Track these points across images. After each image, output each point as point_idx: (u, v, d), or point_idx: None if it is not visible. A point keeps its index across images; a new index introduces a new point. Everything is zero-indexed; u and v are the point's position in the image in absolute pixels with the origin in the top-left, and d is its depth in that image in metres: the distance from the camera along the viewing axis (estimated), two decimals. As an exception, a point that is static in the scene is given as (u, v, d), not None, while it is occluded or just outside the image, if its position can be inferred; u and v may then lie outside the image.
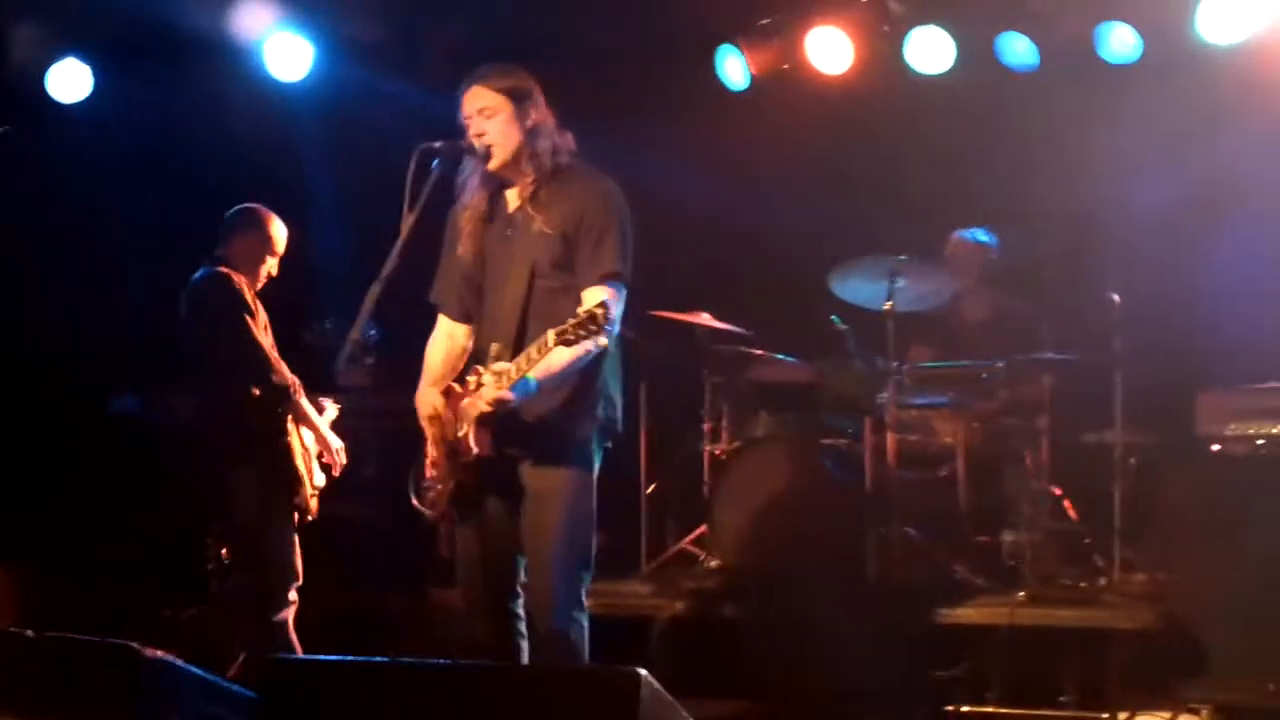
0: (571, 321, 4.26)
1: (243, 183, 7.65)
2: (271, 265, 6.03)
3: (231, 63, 8.00)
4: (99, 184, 8.20)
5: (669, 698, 3.75)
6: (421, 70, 7.72)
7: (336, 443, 5.93)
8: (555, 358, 4.39)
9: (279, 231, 6.05)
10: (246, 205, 6.13)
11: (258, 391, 5.74)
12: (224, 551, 6.24)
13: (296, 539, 5.83)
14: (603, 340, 4.29)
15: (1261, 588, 5.72)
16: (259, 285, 6.00)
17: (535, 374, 4.43)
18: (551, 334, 4.30)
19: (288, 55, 8.00)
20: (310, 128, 8.07)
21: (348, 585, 6.68)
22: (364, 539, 6.78)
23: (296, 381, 5.81)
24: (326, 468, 5.96)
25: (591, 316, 4.23)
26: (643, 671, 3.66)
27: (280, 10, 7.88)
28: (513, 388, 4.44)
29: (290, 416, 5.81)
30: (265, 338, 5.85)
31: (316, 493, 5.88)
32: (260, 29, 7.92)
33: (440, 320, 4.96)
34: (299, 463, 5.80)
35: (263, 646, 5.54)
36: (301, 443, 5.85)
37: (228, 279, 5.87)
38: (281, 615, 5.76)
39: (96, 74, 8.12)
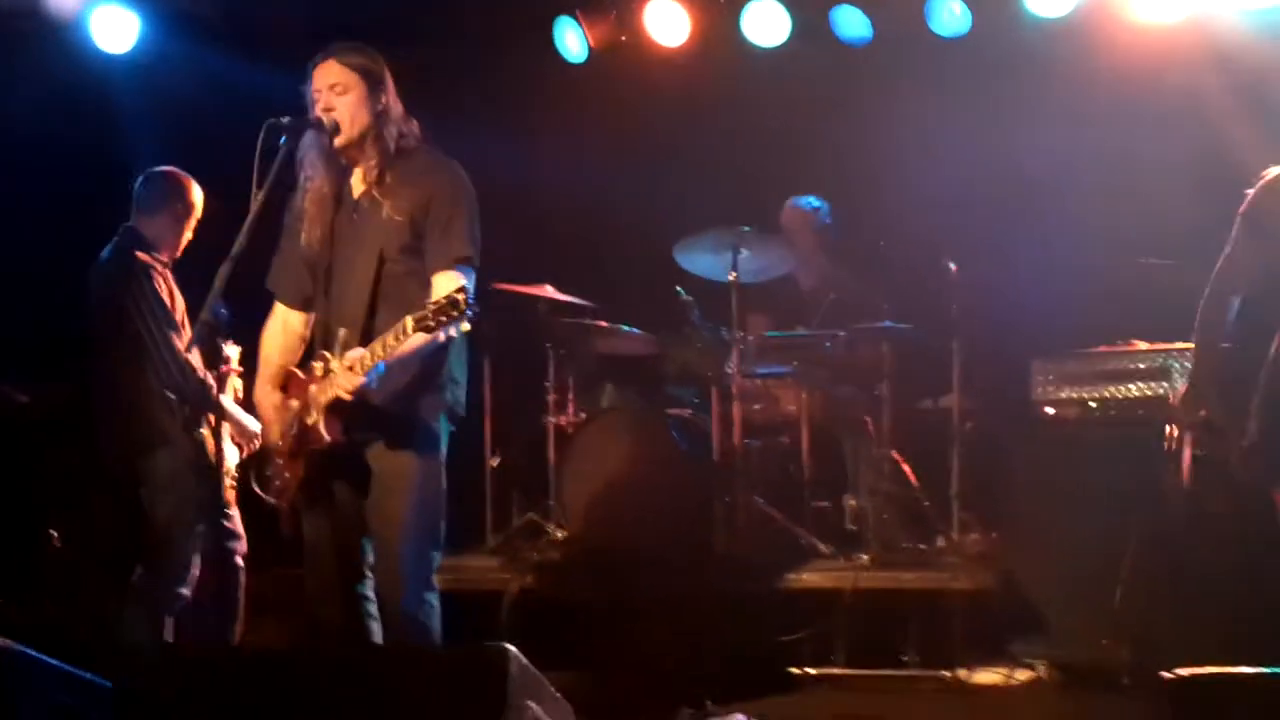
0: (431, 307, 4.21)
1: (67, 158, 7.48)
2: (189, 232, 5.84)
3: (54, 35, 7.73)
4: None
5: (536, 671, 3.77)
6: (254, 46, 7.56)
7: (252, 426, 5.62)
8: (411, 343, 4.35)
9: (198, 196, 5.85)
10: (159, 170, 5.90)
11: (172, 395, 5.56)
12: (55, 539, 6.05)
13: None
14: (465, 326, 4.25)
15: (1093, 547, 5.90)
16: (179, 254, 5.80)
17: (390, 359, 4.39)
18: (410, 320, 4.25)
19: (113, 28, 7.75)
20: (138, 102, 7.83)
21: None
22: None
23: (211, 381, 5.57)
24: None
25: (453, 302, 4.19)
26: (510, 647, 3.68)
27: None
28: (368, 374, 4.39)
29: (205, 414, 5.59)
30: (180, 336, 5.60)
31: (235, 481, 5.71)
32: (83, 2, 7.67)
33: (276, 307, 4.86)
34: (210, 455, 5.57)
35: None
36: (213, 431, 5.53)
37: (141, 270, 5.60)
38: (171, 608, 5.64)
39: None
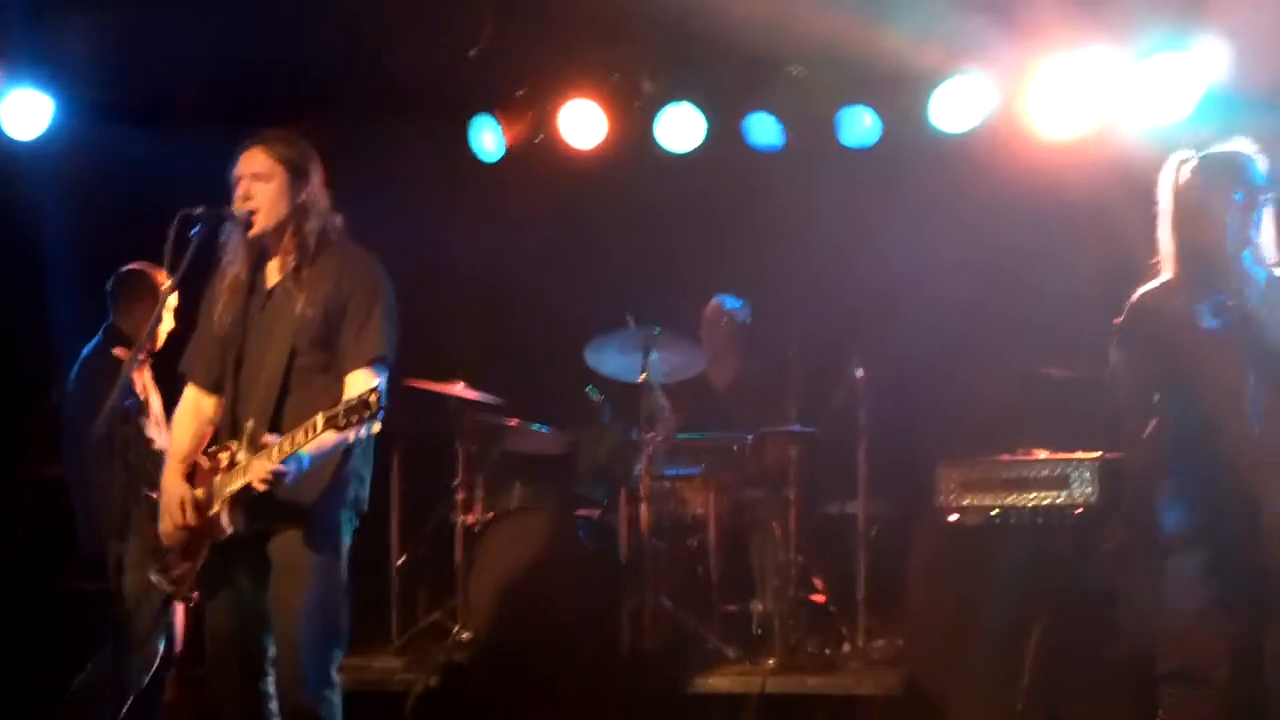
0: (344, 406, 4.20)
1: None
2: (167, 325, 5.83)
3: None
4: None
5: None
6: (168, 130, 7.54)
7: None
8: (323, 439, 4.32)
9: (171, 296, 5.82)
10: (128, 269, 5.97)
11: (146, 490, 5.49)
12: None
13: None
14: (375, 426, 4.22)
15: (996, 652, 5.94)
16: (159, 345, 5.79)
17: (308, 450, 4.35)
18: (321, 418, 4.23)
19: (24, 113, 7.70)
20: (50, 187, 7.77)
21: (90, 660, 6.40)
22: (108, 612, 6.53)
23: None
24: None
25: (364, 403, 4.17)
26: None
27: (15, 68, 7.60)
28: (286, 462, 4.34)
29: None
30: (158, 435, 5.64)
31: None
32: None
33: (188, 390, 4.81)
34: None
35: None
36: None
37: (116, 367, 5.58)
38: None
39: None
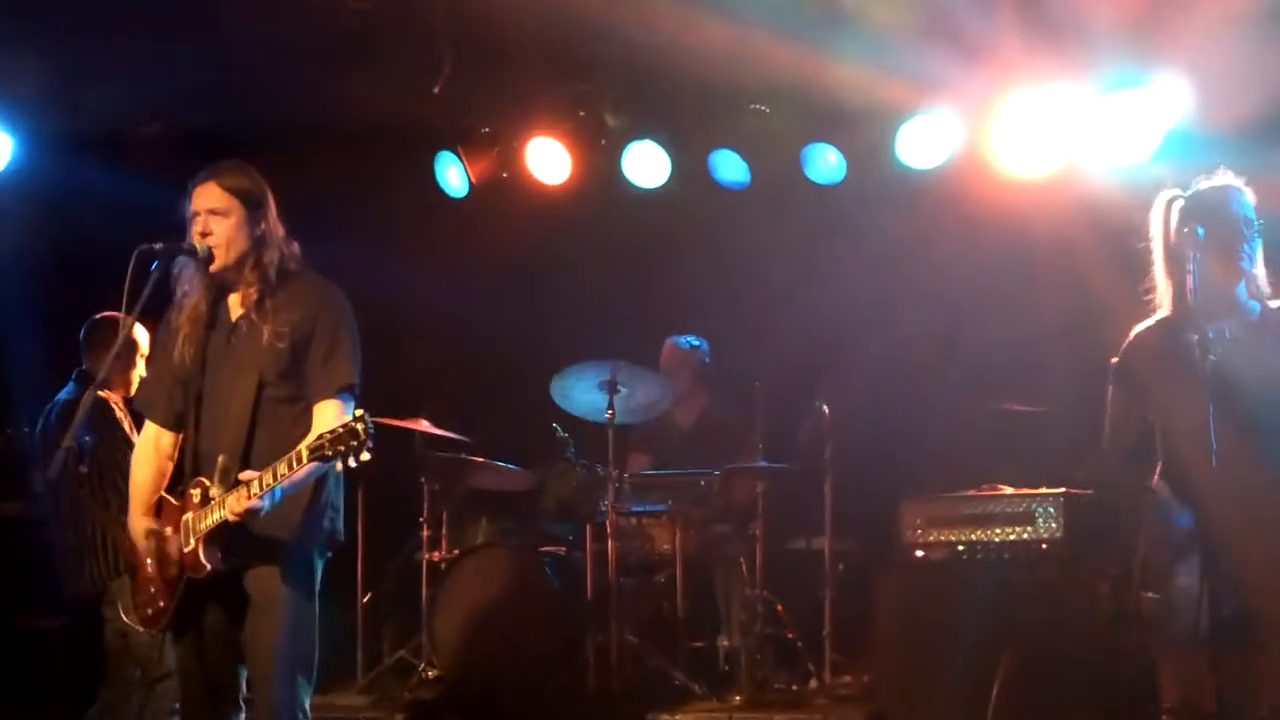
0: (329, 436, 4.15)
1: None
2: (142, 368, 5.86)
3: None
4: None
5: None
6: (130, 164, 7.52)
7: None
8: (303, 471, 4.28)
9: (140, 334, 5.85)
10: (99, 317, 6.00)
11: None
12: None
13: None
14: (365, 455, 4.18)
15: (962, 687, 5.93)
16: (132, 391, 5.81)
17: (285, 485, 4.31)
18: (304, 449, 4.19)
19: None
20: (8, 223, 7.72)
21: (49, 699, 6.35)
22: (71, 650, 6.48)
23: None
24: None
25: (352, 432, 4.12)
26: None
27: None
28: (263, 498, 4.30)
29: None
30: None
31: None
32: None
33: (146, 428, 4.77)
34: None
35: None
36: None
37: (97, 408, 5.66)
38: None
39: None
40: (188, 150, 7.43)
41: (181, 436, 4.69)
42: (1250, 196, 4.52)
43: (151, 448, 4.73)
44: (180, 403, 4.67)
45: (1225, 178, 4.55)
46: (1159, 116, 6.83)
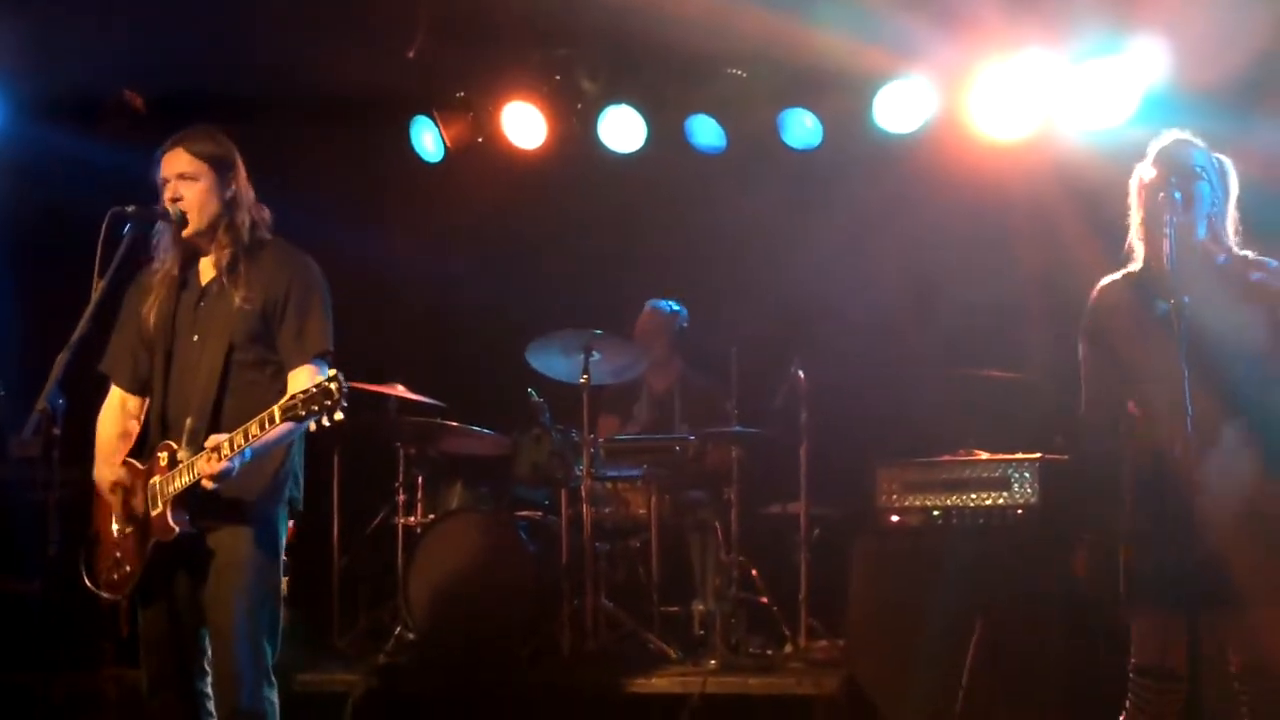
0: (302, 396, 4.15)
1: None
2: None
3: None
4: None
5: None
6: (105, 130, 7.46)
7: None
8: (275, 432, 4.27)
9: None
10: None
11: None
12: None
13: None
14: (338, 416, 4.17)
15: (936, 652, 5.96)
16: None
17: (256, 446, 4.30)
18: (277, 410, 4.18)
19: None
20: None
21: (23, 665, 6.31)
22: (42, 616, 6.45)
23: None
24: None
25: (325, 391, 4.12)
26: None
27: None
28: (233, 460, 4.29)
29: None
30: None
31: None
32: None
33: (112, 391, 4.75)
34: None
35: None
36: None
37: None
38: None
39: None
40: (159, 118, 7.38)
41: (147, 401, 4.66)
42: (1203, 145, 4.52)
43: (117, 409, 4.72)
44: (145, 367, 4.66)
45: (1176, 134, 4.56)
46: (1136, 79, 6.82)
